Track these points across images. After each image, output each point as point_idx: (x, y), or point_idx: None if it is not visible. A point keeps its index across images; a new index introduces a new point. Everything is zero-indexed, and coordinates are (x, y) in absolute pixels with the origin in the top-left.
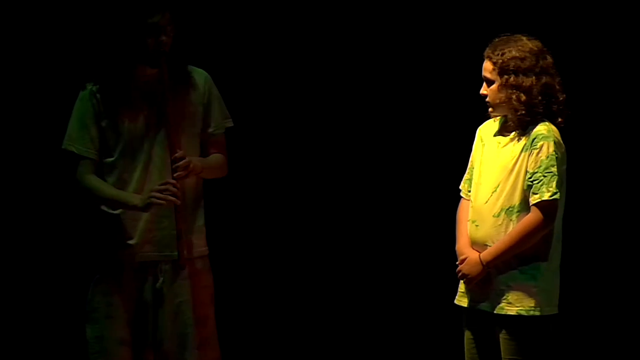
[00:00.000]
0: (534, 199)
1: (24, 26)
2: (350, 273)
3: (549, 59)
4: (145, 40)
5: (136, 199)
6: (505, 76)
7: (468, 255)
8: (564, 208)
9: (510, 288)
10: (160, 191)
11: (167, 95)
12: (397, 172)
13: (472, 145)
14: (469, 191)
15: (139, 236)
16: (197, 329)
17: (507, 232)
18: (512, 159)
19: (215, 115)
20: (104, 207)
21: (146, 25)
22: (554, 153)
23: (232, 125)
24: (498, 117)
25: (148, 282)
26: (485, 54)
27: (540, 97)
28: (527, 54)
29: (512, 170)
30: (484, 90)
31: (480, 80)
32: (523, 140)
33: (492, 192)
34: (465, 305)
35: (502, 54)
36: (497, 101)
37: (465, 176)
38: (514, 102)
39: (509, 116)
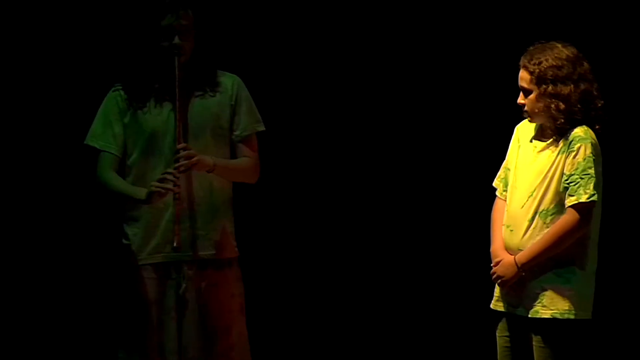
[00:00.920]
0: (570, 201)
1: (52, 29)
2: (383, 276)
3: (586, 65)
4: (160, 43)
5: (142, 192)
6: (544, 85)
7: (503, 257)
8: (601, 211)
9: (544, 291)
10: (160, 180)
11: (177, 91)
12: (433, 173)
13: (509, 142)
14: (504, 191)
15: (160, 236)
16: (223, 338)
17: (542, 235)
18: (549, 163)
19: (243, 118)
20: (127, 209)
21: (159, 27)
22: (591, 155)
23: (264, 129)
24: None
25: (171, 286)
26: (521, 63)
27: (579, 105)
28: (564, 62)
29: (547, 174)
30: (521, 99)
31: (507, 78)
32: (560, 145)
33: (529, 197)
34: (502, 309)
35: (539, 63)
36: (536, 110)
37: (500, 174)
38: (553, 111)
39: (547, 124)
